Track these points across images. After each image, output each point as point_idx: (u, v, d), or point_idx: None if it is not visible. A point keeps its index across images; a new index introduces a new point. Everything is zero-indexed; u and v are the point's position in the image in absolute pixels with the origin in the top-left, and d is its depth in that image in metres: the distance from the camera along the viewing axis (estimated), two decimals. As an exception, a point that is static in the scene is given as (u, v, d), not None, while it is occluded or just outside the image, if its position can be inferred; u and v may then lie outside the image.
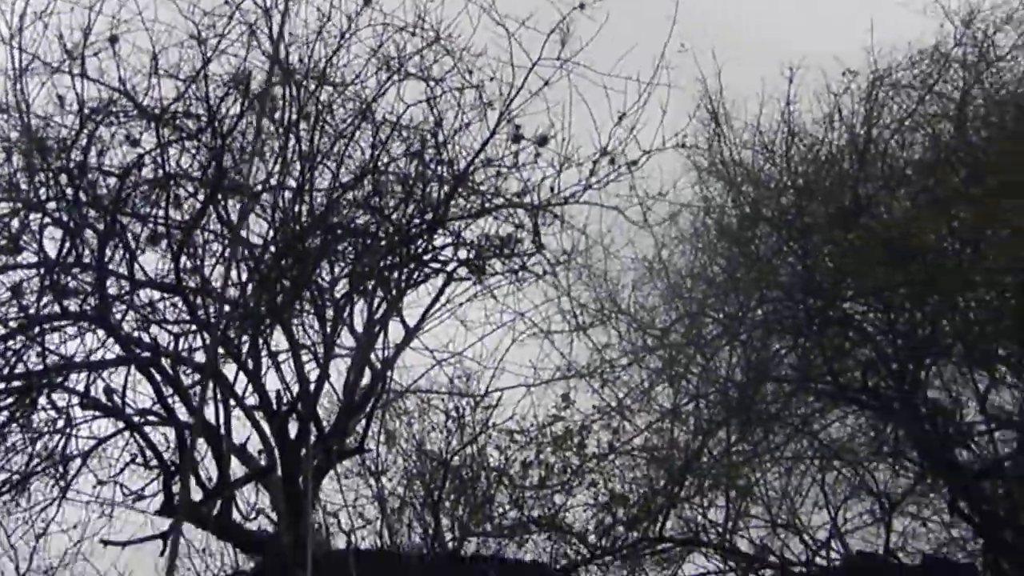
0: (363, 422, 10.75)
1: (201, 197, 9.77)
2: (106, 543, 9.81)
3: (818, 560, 11.97)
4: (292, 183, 10.05)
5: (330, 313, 10.30)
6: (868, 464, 12.14)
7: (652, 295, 12.62)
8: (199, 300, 9.74)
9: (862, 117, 12.01)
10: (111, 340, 9.66)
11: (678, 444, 12.33)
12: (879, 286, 11.26)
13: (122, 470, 10.07)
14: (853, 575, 11.10)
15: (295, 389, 9.93)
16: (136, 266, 9.73)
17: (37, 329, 9.48)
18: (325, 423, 10.11)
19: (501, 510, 11.71)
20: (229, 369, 9.87)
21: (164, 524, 9.60)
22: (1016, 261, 10.03)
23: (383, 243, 10.41)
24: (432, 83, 10.19)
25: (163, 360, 9.60)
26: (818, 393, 11.92)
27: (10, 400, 9.62)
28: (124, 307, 9.89)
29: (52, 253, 9.48)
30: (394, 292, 10.53)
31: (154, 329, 9.95)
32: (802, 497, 12.30)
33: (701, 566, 12.10)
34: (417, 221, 10.42)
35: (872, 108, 11.98)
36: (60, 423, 9.87)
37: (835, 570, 11.71)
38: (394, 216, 10.45)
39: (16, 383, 9.55)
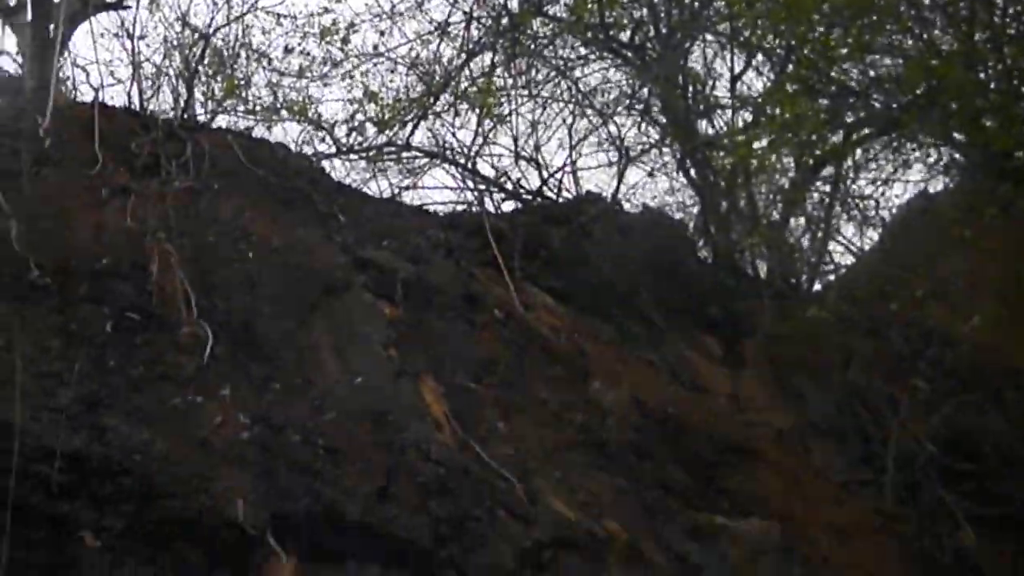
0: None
1: None
2: None
3: (547, 192, 12.49)
4: None
5: None
6: (616, 115, 12.65)
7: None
8: None
9: None
10: None
11: (441, 60, 12.43)
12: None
13: None
14: (577, 209, 11.55)
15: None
16: None
17: None
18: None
19: (256, 93, 11.63)
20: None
21: None
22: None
23: None
24: None
25: None
26: (585, 40, 12.10)
27: None
28: None
29: None
30: None
31: None
32: (549, 135, 12.74)
33: (441, 181, 12.55)
34: None
35: None
36: None
37: (562, 203, 12.20)
38: None
39: None
